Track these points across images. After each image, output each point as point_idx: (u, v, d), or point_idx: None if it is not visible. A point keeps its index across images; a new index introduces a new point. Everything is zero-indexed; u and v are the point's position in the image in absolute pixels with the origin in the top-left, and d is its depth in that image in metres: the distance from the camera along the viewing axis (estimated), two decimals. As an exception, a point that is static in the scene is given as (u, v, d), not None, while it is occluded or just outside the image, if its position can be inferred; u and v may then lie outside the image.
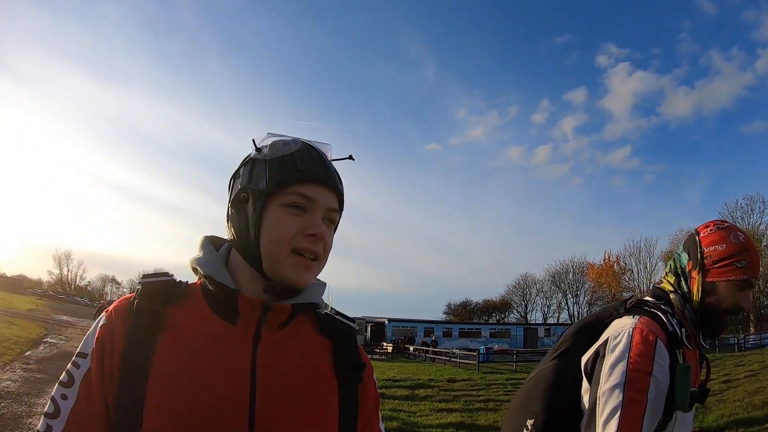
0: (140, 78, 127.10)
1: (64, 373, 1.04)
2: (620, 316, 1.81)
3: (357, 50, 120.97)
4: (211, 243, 1.19)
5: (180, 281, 1.13)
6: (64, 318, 39.78)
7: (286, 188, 1.06)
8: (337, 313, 1.26)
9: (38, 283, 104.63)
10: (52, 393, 1.03)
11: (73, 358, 1.04)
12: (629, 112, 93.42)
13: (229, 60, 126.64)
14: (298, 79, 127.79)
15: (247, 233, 1.08)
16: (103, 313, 1.08)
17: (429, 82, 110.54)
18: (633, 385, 1.59)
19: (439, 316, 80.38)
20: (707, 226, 1.88)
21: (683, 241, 1.95)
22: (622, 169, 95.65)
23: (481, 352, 33.49)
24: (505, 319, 75.52)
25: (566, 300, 76.21)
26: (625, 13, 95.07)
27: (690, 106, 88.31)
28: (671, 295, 1.87)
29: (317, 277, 1.16)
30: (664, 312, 1.79)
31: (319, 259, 1.10)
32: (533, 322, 69.64)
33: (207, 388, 0.98)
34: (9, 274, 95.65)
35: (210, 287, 1.09)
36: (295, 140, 1.14)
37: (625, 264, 69.03)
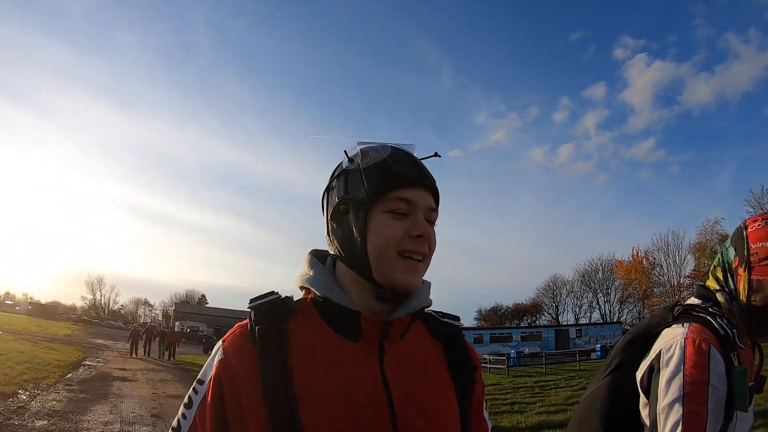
0: (161, 103, 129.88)
1: (186, 395, 1.11)
2: (669, 326, 1.76)
3: (375, 61, 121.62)
4: (316, 257, 1.21)
5: (287, 297, 1.14)
6: (100, 341, 40.53)
7: (386, 194, 1.07)
8: (442, 313, 1.29)
9: (72, 308, 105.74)
10: (179, 410, 1.11)
11: (194, 384, 1.10)
12: (650, 104, 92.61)
13: (247, 79, 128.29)
14: (318, 94, 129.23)
15: (354, 243, 1.09)
16: (218, 345, 1.10)
17: (447, 88, 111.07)
18: (691, 398, 1.55)
19: (470, 322, 79.93)
20: (755, 220, 1.79)
21: (731, 235, 1.87)
22: (647, 161, 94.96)
23: (512, 356, 33.50)
24: (537, 322, 74.88)
25: (597, 299, 75.07)
26: (638, 3, 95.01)
27: (711, 92, 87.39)
28: (717, 294, 1.81)
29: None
30: (713, 315, 1.73)
31: (425, 259, 1.11)
32: (565, 323, 68.73)
33: (355, 410, 1.00)
34: (43, 302, 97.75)
35: (327, 307, 1.10)
36: (384, 146, 1.15)
37: (654, 259, 67.71)
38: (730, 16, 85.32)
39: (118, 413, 10.84)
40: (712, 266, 1.87)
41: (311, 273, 1.15)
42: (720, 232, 62.06)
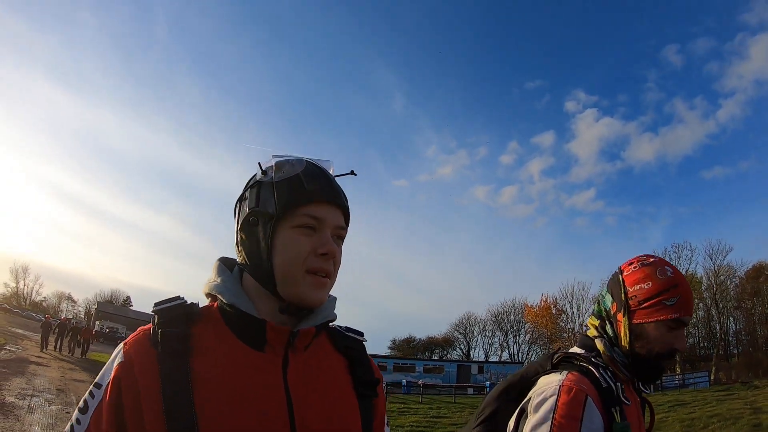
0: (110, 91, 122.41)
1: (82, 399, 1.06)
2: (547, 373, 1.65)
3: (328, 77, 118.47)
4: (224, 265, 1.19)
5: (192, 303, 1.12)
6: (20, 331, 41.32)
7: (295, 210, 1.08)
8: (347, 328, 1.30)
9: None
10: (72, 414, 1.06)
11: (90, 388, 1.06)
12: (595, 156, 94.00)
13: (200, 80, 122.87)
14: (267, 104, 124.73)
15: (260, 256, 1.09)
16: (119, 347, 1.06)
17: (398, 116, 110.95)
18: None
19: (384, 350, 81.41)
20: (631, 263, 1.73)
21: (607, 282, 1.81)
22: (585, 210, 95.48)
23: (403, 384, 36.59)
24: (448, 356, 77.00)
25: (507, 340, 77.87)
26: (596, 61, 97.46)
27: (654, 151, 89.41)
28: (596, 341, 1.72)
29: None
30: (596, 365, 1.63)
31: (330, 276, 1.12)
32: (475, 359, 71.19)
33: (256, 418, 1.00)
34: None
35: (233, 315, 1.09)
36: (299, 160, 1.14)
37: (562, 306, 71.20)
38: (680, 83, 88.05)
39: (32, 385, 13.76)
40: (591, 316, 1.82)
41: (218, 280, 1.14)
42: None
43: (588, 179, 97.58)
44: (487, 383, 42.82)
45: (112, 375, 1.02)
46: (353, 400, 1.19)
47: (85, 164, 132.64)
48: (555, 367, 1.66)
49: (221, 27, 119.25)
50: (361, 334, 1.33)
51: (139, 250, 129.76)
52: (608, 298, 1.75)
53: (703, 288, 60.28)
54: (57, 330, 32.62)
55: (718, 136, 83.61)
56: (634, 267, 1.70)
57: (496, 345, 78.57)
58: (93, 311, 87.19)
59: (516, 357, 74.33)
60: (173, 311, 1.07)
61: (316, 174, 1.14)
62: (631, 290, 1.67)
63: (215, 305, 1.14)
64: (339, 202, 1.14)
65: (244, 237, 1.14)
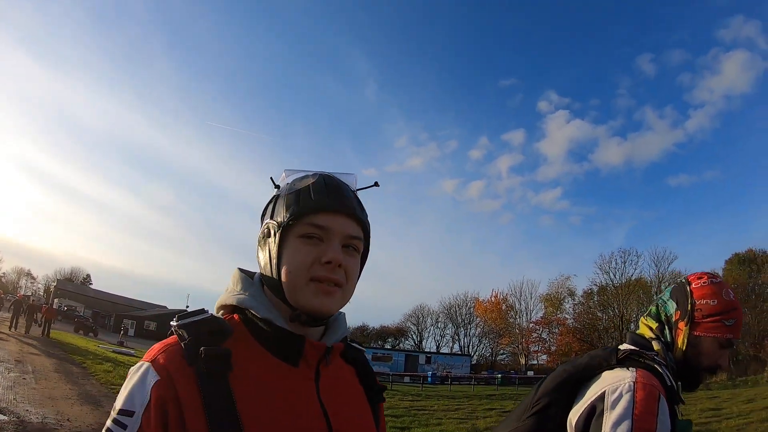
0: (83, 65, 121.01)
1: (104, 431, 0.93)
2: (611, 368, 1.70)
3: (301, 58, 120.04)
4: (246, 276, 1.19)
5: (217, 317, 1.09)
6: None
7: (301, 219, 1.08)
8: (350, 338, 1.29)
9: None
10: None
11: (115, 416, 0.94)
12: (563, 157, 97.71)
13: (175, 56, 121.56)
14: (240, 84, 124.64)
15: (270, 266, 1.11)
16: (146, 366, 0.97)
17: (370, 104, 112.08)
18: None
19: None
20: (700, 278, 1.82)
21: (670, 289, 1.89)
22: (551, 209, 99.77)
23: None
24: (400, 346, 77.97)
25: (458, 333, 79.27)
26: (570, 64, 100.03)
27: (621, 156, 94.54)
28: (653, 343, 1.80)
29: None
30: (659, 363, 1.69)
31: (341, 286, 1.09)
32: (427, 350, 72.60)
33: None
34: None
35: (266, 330, 1.08)
36: (313, 174, 1.15)
37: (512, 303, 73.01)
38: (651, 92, 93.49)
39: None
40: (644, 316, 1.92)
41: (245, 294, 1.12)
42: (569, 287, 69.94)
43: (555, 179, 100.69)
44: (429, 373, 45.32)
45: (152, 396, 0.93)
46: (368, 407, 1.23)
47: (53, 138, 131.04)
48: (620, 363, 1.70)
49: (198, 3, 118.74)
50: (361, 344, 1.34)
51: (102, 228, 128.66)
52: (671, 305, 1.82)
53: (653, 292, 62.70)
54: (12, 308, 31.02)
55: (685, 146, 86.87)
56: (704, 282, 1.78)
57: (448, 337, 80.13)
58: (52, 289, 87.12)
59: (466, 349, 76.17)
60: (205, 326, 1.02)
61: (325, 186, 1.13)
62: (698, 303, 1.75)
63: (237, 318, 1.12)
64: (347, 212, 1.12)
65: (259, 249, 1.17)
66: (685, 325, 1.77)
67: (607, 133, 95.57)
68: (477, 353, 76.97)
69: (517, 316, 72.61)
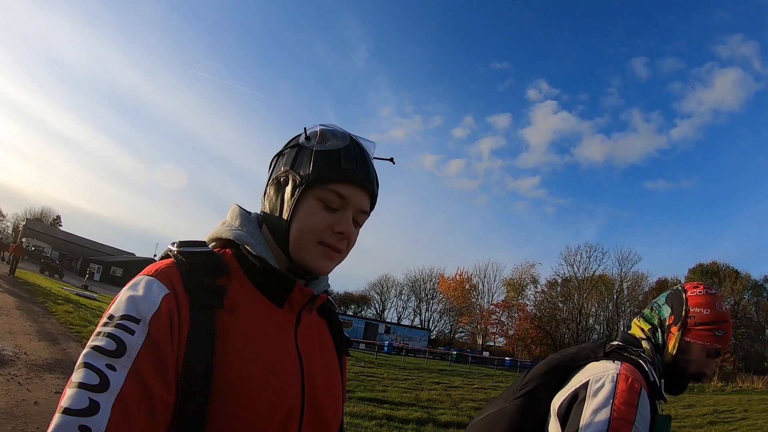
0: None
1: (103, 338, 0.86)
2: (597, 360, 1.77)
3: (293, 17, 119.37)
4: (245, 212, 1.19)
5: (215, 252, 1.08)
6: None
7: (325, 183, 1.08)
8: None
9: None
10: (87, 359, 0.84)
11: (118, 321, 0.88)
12: (546, 147, 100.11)
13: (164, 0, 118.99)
14: (228, 34, 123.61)
15: (280, 216, 1.11)
16: (149, 278, 0.96)
17: (359, 70, 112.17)
18: None
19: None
20: (696, 287, 1.88)
21: (666, 294, 1.94)
22: (528, 196, 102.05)
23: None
24: (362, 313, 78.84)
25: (420, 307, 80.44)
26: (565, 56, 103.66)
27: (603, 153, 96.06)
28: (643, 342, 1.86)
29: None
30: (645, 360, 1.75)
31: (341, 252, 1.13)
32: (388, 320, 73.43)
33: (272, 373, 1.01)
34: None
35: (259, 268, 1.09)
36: (344, 135, 1.14)
37: (476, 283, 74.92)
38: (641, 94, 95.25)
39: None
40: (638, 318, 1.96)
41: (243, 230, 1.13)
42: (533, 274, 72.23)
43: (535, 167, 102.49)
44: (386, 342, 46.43)
45: (162, 306, 0.92)
46: (335, 356, 1.26)
47: (32, 72, 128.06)
48: (607, 356, 1.77)
49: None
50: (332, 300, 1.37)
51: (77, 169, 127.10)
52: (666, 310, 1.88)
53: (614, 290, 65.40)
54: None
55: (667, 152, 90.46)
56: (700, 291, 1.85)
57: (410, 310, 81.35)
58: (20, 228, 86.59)
59: (426, 324, 77.43)
60: (203, 259, 1.03)
61: (355, 154, 1.13)
62: (692, 310, 1.81)
63: (230, 252, 1.12)
64: (369, 188, 1.14)
65: (271, 192, 1.15)
66: (678, 330, 1.82)
67: (592, 129, 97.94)
68: (437, 329, 78.56)
69: (479, 297, 74.52)
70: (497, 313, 71.54)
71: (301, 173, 1.10)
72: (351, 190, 1.11)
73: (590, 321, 65.80)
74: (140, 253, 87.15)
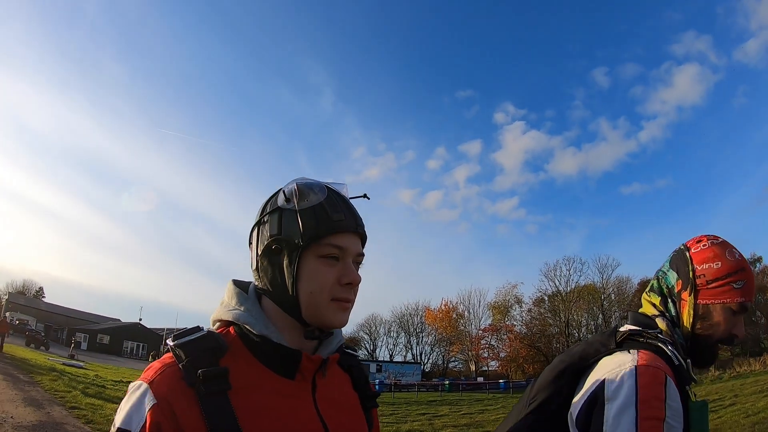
0: (33, 65, 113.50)
1: None
2: (610, 353, 1.56)
3: (256, 66, 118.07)
4: (241, 289, 1.18)
5: (213, 333, 1.08)
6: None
7: (321, 240, 1.08)
8: (346, 347, 1.31)
9: None
10: None
11: None
12: (519, 167, 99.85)
13: (128, 59, 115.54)
14: (194, 90, 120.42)
15: (284, 285, 1.10)
16: (144, 387, 0.98)
17: (326, 114, 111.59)
18: None
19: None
20: (699, 241, 1.65)
21: (669, 258, 1.71)
22: (507, 218, 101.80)
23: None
24: None
25: (410, 341, 79.89)
26: (527, 76, 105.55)
27: (576, 165, 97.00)
28: (657, 320, 1.62)
29: None
30: (664, 342, 1.53)
31: (352, 301, 1.14)
32: (381, 359, 72.20)
33: None
34: None
35: (264, 346, 1.08)
36: (320, 186, 1.15)
37: (462, 310, 74.96)
38: (605, 103, 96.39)
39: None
40: (645, 293, 1.74)
41: (241, 309, 1.13)
42: (516, 294, 72.39)
43: (511, 188, 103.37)
44: (377, 381, 46.67)
45: (148, 420, 0.94)
46: (362, 414, 1.25)
47: (1, 142, 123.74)
48: (619, 346, 1.56)
49: (152, 6, 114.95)
50: (356, 350, 1.36)
51: (55, 238, 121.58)
52: (672, 275, 1.66)
53: (602, 297, 66.07)
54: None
55: (638, 155, 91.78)
56: (704, 245, 1.62)
57: (401, 345, 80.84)
58: (3, 302, 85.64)
59: (418, 358, 77.18)
60: (202, 344, 1.03)
61: (338, 203, 1.14)
62: (699, 268, 1.59)
63: (233, 332, 1.12)
64: (361, 231, 1.16)
65: (265, 264, 1.13)
66: (689, 295, 1.59)
67: (563, 143, 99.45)
68: (430, 361, 78.15)
69: (466, 324, 74.57)
70: (486, 338, 71.92)
71: (294, 238, 1.10)
72: (345, 238, 1.12)
73: (582, 331, 66.08)
74: (126, 318, 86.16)
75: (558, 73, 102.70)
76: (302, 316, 1.11)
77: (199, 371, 0.98)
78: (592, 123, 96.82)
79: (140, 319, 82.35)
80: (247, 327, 1.10)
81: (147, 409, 0.95)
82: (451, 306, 76.23)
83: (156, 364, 1.03)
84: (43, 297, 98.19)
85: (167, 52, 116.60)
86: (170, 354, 1.04)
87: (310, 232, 1.09)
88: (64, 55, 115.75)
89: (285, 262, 1.11)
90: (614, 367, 1.48)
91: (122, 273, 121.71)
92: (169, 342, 1.05)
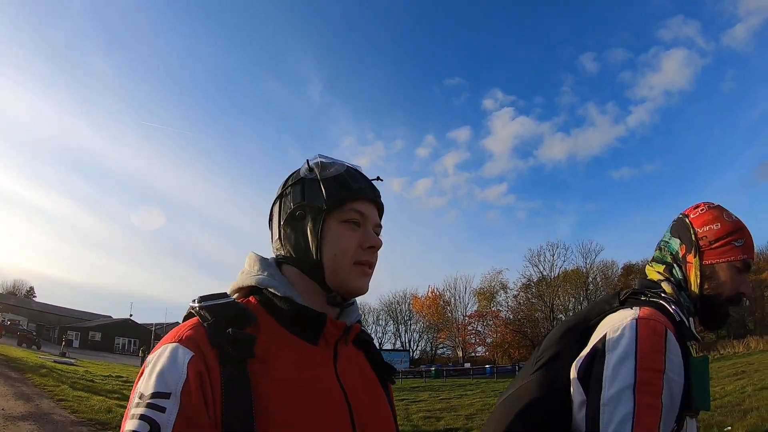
0: (19, 64, 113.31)
1: (136, 420, 0.85)
2: (614, 311, 1.58)
3: (244, 59, 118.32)
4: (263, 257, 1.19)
5: (241, 303, 1.06)
6: None
7: (343, 205, 1.13)
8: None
9: None
10: None
11: (148, 401, 0.87)
12: (508, 153, 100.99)
13: (114, 55, 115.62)
14: (182, 84, 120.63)
15: (308, 249, 1.12)
16: (173, 345, 0.93)
17: (315, 104, 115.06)
18: (645, 387, 1.35)
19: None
20: (697, 207, 1.72)
21: (670, 227, 1.77)
22: (497, 204, 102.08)
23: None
24: None
25: (398, 329, 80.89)
26: (515, 63, 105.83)
27: (565, 151, 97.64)
28: (663, 284, 1.67)
29: None
30: (667, 300, 1.57)
31: (373, 268, 1.16)
32: None
33: (318, 413, 0.99)
34: None
35: (287, 309, 1.08)
36: (340, 161, 1.21)
37: (448, 297, 75.96)
38: (593, 89, 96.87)
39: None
40: (649, 263, 1.79)
41: (264, 273, 1.13)
42: (502, 280, 73.48)
43: (501, 174, 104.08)
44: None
45: (189, 372, 0.90)
46: (382, 390, 1.26)
47: None
48: (623, 304, 1.59)
49: (137, 0, 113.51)
50: (366, 329, 1.35)
51: (44, 237, 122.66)
52: (675, 242, 1.71)
53: (588, 281, 67.33)
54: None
55: (627, 140, 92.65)
56: (702, 210, 1.69)
57: (390, 334, 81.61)
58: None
59: (407, 345, 78.21)
60: (228, 309, 1.01)
61: (358, 175, 1.20)
62: (700, 231, 1.65)
63: (254, 300, 1.12)
64: (379, 201, 1.20)
65: (289, 231, 1.16)
66: (694, 257, 1.64)
67: (551, 129, 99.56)
68: (419, 348, 79.22)
69: (453, 311, 75.63)
70: (473, 324, 72.93)
71: (317, 203, 1.13)
72: (366, 206, 1.16)
73: (568, 315, 65.82)
74: (117, 314, 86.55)
75: (546, 60, 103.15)
76: (326, 280, 1.12)
77: (230, 329, 0.96)
78: (581, 108, 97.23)
79: (131, 315, 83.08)
80: (271, 290, 1.10)
81: (185, 363, 0.91)
82: (437, 293, 77.18)
83: (178, 327, 1.01)
84: (34, 296, 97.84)
85: (153, 47, 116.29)
86: (194, 318, 1.02)
87: (334, 197, 1.13)
88: (50, 51, 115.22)
89: (309, 227, 1.13)
90: (616, 321, 1.51)
91: (112, 269, 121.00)
92: (194, 303, 1.02)
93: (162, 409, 0.86)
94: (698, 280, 1.63)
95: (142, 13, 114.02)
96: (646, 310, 1.50)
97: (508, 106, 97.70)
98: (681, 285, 1.67)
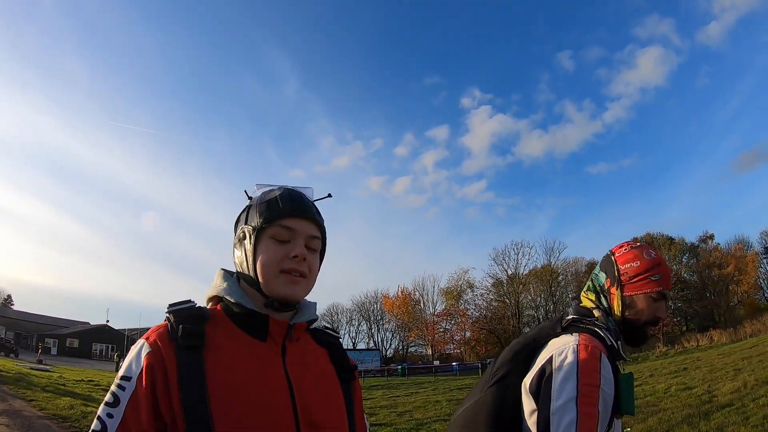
0: None
1: (108, 395, 1.16)
2: (557, 336, 1.88)
3: (218, 55, 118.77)
4: (227, 273, 1.40)
5: (203, 307, 1.32)
6: None
7: (272, 223, 1.31)
8: (326, 327, 1.53)
9: None
10: (98, 412, 1.15)
11: (117, 381, 1.17)
12: (487, 150, 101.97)
13: (86, 55, 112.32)
14: (157, 84, 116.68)
15: (246, 263, 1.33)
16: (141, 342, 1.21)
17: (291, 103, 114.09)
18: (585, 398, 1.64)
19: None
20: (621, 247, 2.01)
21: (600, 262, 2.06)
22: (476, 201, 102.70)
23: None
24: None
25: (371, 329, 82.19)
26: (492, 61, 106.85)
27: (542, 147, 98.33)
28: (594, 311, 1.97)
29: (307, 298, 1.39)
30: (600, 327, 1.87)
31: (306, 277, 1.32)
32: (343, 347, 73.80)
33: (262, 400, 1.19)
34: None
35: (239, 312, 1.30)
36: (280, 187, 1.39)
37: (417, 297, 76.98)
38: (570, 86, 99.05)
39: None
40: (584, 291, 2.08)
41: (224, 285, 1.35)
42: (468, 279, 74.29)
43: (479, 172, 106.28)
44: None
45: (144, 364, 1.16)
46: (337, 384, 1.41)
47: None
48: (565, 330, 1.89)
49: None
50: (337, 331, 1.55)
51: (20, 241, 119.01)
52: (602, 276, 2.01)
53: (559, 279, 68.66)
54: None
55: (603, 136, 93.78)
56: (625, 249, 1.98)
57: (363, 333, 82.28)
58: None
59: (380, 345, 78.88)
60: (188, 311, 1.25)
61: (289, 196, 1.36)
62: (622, 268, 1.94)
63: (219, 307, 1.35)
64: (309, 216, 1.36)
65: (236, 250, 1.38)
66: (616, 290, 1.93)
67: (529, 126, 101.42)
68: (392, 347, 79.98)
69: (422, 310, 76.77)
70: (441, 323, 74.01)
71: (253, 224, 1.34)
72: (294, 221, 1.33)
73: (534, 313, 68.26)
74: (94, 321, 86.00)
75: (523, 57, 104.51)
76: (261, 288, 1.31)
77: (179, 326, 1.20)
78: (558, 105, 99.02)
79: (107, 321, 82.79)
80: (227, 298, 1.32)
81: (144, 356, 1.18)
82: (406, 293, 77.97)
83: (153, 327, 1.25)
84: (12, 305, 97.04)
85: (127, 46, 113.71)
86: (165, 321, 1.26)
87: (264, 216, 1.33)
88: (22, 52, 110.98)
89: (247, 245, 1.35)
90: (560, 345, 1.81)
91: (88, 273, 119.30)
92: (166, 311, 1.26)
93: (123, 388, 1.17)
94: (620, 308, 1.92)
95: (116, 11, 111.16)
96: (584, 337, 1.80)
97: (485, 104, 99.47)
98: (608, 311, 1.96)
